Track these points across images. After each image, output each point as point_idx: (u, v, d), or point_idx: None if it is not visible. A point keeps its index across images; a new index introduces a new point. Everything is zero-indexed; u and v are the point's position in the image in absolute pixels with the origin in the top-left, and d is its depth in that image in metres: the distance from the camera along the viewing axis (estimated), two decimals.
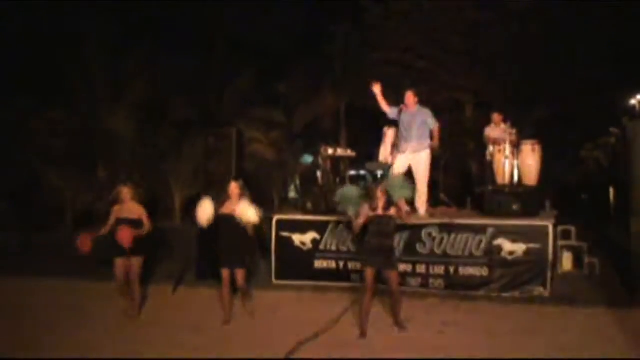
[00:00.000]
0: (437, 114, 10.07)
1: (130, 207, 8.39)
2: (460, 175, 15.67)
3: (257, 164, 17.67)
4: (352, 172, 22.15)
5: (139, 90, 16.32)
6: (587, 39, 18.76)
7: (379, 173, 25.58)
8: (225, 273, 8.01)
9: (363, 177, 23.96)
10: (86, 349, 7.02)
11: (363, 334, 7.46)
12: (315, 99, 20.29)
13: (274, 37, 20.56)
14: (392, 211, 7.65)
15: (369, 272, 7.52)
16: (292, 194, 22.46)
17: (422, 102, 10.03)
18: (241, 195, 8.03)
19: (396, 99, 19.91)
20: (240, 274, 7.98)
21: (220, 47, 19.65)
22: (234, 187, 8.06)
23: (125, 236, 8.15)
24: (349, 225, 9.63)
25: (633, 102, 23.60)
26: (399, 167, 9.72)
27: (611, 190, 14.67)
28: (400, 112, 9.75)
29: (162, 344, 7.22)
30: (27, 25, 15.76)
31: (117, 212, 8.41)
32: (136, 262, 8.30)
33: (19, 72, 14.92)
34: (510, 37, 19.11)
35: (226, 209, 8.00)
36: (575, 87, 19.29)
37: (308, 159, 25.04)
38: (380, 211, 7.63)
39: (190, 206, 16.71)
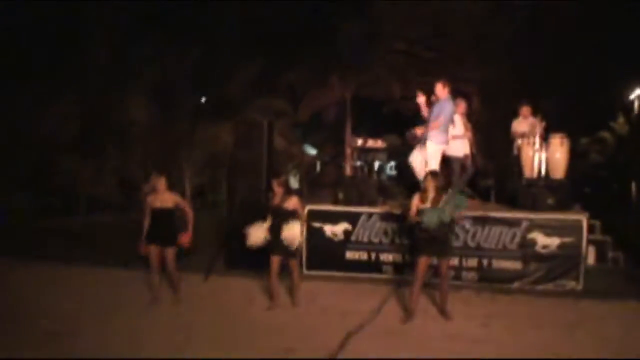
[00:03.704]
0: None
1: (164, 195, 8.34)
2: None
3: None
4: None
5: (150, 78, 16.17)
6: (589, 33, 18.94)
7: (377, 163, 25.52)
8: (274, 260, 8.09)
9: (361, 167, 23.95)
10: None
11: (410, 318, 7.61)
12: (322, 88, 20.27)
13: (281, 26, 20.40)
14: (442, 204, 7.69)
15: (422, 261, 7.63)
16: (294, 184, 22.50)
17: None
18: (286, 191, 8.15)
19: (401, 89, 19.99)
20: (293, 263, 8.21)
21: (228, 35, 19.44)
22: (276, 185, 8.24)
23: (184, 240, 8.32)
24: (382, 216, 9.72)
25: (632, 97, 23.69)
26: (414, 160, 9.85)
27: (633, 185, 14.79)
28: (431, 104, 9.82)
29: (207, 333, 7.21)
30: (37, 14, 15.41)
31: (152, 201, 8.35)
32: (171, 251, 8.29)
33: (33, 59, 14.66)
34: (517, 29, 19.25)
35: (275, 202, 8.18)
36: (576, 80, 19.53)
37: (311, 150, 25.06)
38: (429, 203, 7.68)
39: (201, 193, 16.86)
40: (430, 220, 7.53)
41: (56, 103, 14.83)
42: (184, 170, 15.88)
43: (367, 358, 6.41)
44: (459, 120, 10.63)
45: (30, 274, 9.98)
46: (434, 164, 9.67)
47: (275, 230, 8.09)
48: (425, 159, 9.69)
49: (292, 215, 8.11)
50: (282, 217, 8.09)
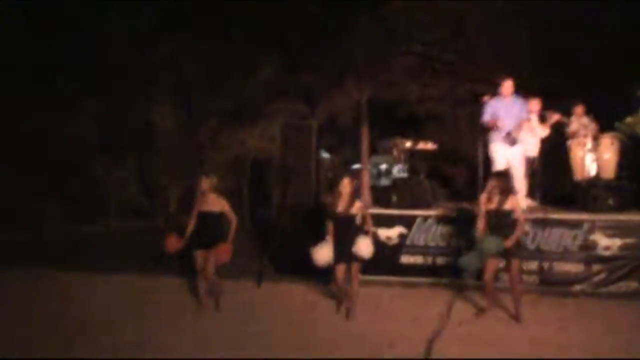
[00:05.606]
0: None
1: (211, 199, 8.14)
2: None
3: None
4: (356, 166, 22.08)
5: (170, 81, 15.93)
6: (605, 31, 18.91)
7: (384, 166, 25.36)
8: (339, 268, 7.83)
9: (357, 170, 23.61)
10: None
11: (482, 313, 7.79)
12: (338, 91, 20.04)
13: (296, 27, 20.17)
14: (509, 204, 7.59)
15: (490, 264, 7.59)
16: None
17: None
18: (353, 193, 7.89)
19: (421, 92, 19.84)
20: (356, 268, 7.84)
21: (244, 36, 19.18)
22: (346, 184, 7.88)
23: (223, 254, 8.04)
24: (438, 219, 9.55)
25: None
26: (499, 158, 9.63)
27: None
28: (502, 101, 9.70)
29: (284, 341, 6.99)
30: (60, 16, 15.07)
31: (199, 204, 8.17)
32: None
33: (55, 63, 14.34)
34: (533, 27, 19.17)
35: (341, 207, 7.84)
36: (586, 83, 19.48)
37: (324, 154, 24.86)
38: (496, 205, 7.57)
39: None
40: (489, 247, 7.45)
41: (81, 105, 14.51)
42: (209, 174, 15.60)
43: None
44: (535, 119, 10.50)
45: (73, 283, 9.76)
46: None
47: (340, 238, 7.82)
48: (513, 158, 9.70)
49: (358, 221, 7.88)
50: (348, 223, 7.84)
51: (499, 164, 9.56)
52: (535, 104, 10.52)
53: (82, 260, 11.38)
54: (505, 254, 7.57)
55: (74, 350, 6.58)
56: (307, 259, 8.21)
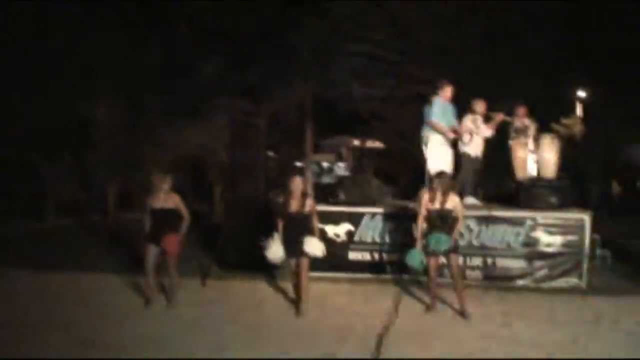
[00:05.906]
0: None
1: (164, 196, 8.05)
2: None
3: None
4: (299, 164, 22.03)
5: (114, 76, 15.59)
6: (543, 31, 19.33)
7: (325, 164, 25.51)
8: (292, 263, 7.93)
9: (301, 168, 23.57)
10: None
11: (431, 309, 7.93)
12: (283, 88, 19.96)
13: (240, 23, 20.00)
14: (450, 204, 7.74)
15: (432, 261, 7.80)
16: None
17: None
18: (305, 193, 7.90)
19: (364, 92, 19.98)
20: (305, 265, 7.86)
21: (186, 33, 18.92)
22: (298, 183, 7.89)
23: (170, 244, 7.93)
24: (385, 216, 9.62)
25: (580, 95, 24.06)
26: (434, 159, 9.80)
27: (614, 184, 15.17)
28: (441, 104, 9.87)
29: (235, 339, 6.93)
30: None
31: (152, 202, 8.07)
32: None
33: None
34: (477, 32, 19.47)
35: (293, 206, 7.85)
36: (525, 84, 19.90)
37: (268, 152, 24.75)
38: (438, 205, 7.71)
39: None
40: (438, 245, 7.66)
41: (15, 100, 14.03)
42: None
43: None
44: (479, 120, 10.65)
45: (12, 281, 9.50)
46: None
47: (291, 236, 7.84)
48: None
49: (309, 219, 7.88)
50: (299, 222, 7.85)
51: (434, 164, 9.69)
52: (480, 105, 10.70)
53: (20, 257, 11.03)
54: (446, 251, 7.72)
55: (21, 348, 6.43)
56: (254, 256, 8.20)
